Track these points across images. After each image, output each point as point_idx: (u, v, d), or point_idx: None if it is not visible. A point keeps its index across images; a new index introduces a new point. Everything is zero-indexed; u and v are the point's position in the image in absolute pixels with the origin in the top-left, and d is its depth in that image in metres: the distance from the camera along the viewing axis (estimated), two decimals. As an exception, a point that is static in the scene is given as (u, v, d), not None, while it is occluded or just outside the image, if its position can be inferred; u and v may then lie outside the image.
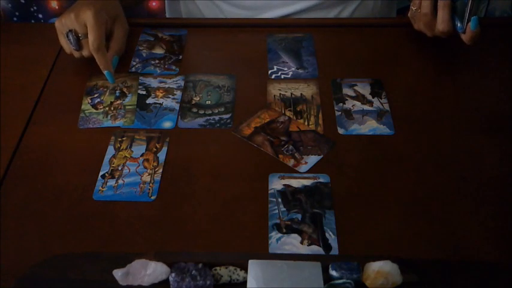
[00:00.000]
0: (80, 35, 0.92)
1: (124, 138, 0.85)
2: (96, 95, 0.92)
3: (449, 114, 0.89)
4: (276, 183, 0.78)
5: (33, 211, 0.76)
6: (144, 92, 0.93)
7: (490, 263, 0.69)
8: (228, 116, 0.89)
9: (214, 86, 0.94)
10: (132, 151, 0.83)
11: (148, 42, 1.03)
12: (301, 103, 0.90)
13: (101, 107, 0.90)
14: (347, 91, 0.92)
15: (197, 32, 1.06)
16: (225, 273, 0.66)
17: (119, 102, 0.91)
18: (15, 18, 1.53)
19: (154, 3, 1.69)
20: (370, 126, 0.86)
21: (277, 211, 0.74)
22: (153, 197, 0.77)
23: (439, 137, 0.85)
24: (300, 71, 0.97)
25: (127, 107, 0.90)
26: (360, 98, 0.91)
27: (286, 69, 0.97)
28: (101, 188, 0.78)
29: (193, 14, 1.20)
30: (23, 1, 1.51)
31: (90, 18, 0.90)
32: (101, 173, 0.80)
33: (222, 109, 0.90)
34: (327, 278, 0.65)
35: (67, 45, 0.95)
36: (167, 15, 1.29)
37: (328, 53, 1.01)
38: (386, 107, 0.89)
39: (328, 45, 1.03)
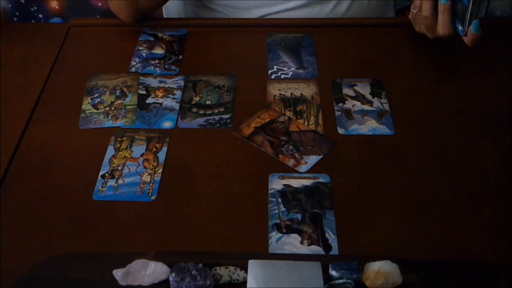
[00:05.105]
0: None
1: (124, 138, 0.85)
2: (96, 95, 0.92)
3: (449, 114, 0.89)
4: (276, 183, 0.78)
5: (33, 211, 0.76)
6: (144, 92, 0.93)
7: (490, 263, 0.69)
8: (228, 116, 0.89)
9: (214, 86, 0.94)
10: (132, 151, 0.83)
11: (148, 42, 1.03)
12: (301, 103, 0.90)
13: (102, 107, 0.90)
14: (347, 91, 0.92)
15: (197, 32, 1.06)
16: (225, 273, 0.66)
17: (119, 102, 0.91)
18: (15, 18, 1.53)
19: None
20: (370, 126, 0.86)
21: (277, 211, 0.74)
22: (153, 197, 0.77)
23: (439, 137, 0.85)
24: (300, 71, 0.97)
25: (127, 107, 0.90)
26: (359, 98, 0.91)
27: (286, 69, 0.97)
28: (101, 188, 0.78)
29: (190, 16, 1.20)
30: (23, 1, 1.51)
31: None
32: (101, 173, 0.80)
33: (222, 109, 0.90)
34: (327, 278, 0.65)
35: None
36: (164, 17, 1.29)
37: (328, 53, 1.01)
38: (386, 107, 0.89)
39: (328, 45, 1.03)
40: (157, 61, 0.99)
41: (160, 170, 0.80)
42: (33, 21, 1.55)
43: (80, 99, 0.92)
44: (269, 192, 0.77)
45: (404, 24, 1.03)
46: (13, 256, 0.70)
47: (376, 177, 0.79)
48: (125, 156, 0.82)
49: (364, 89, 0.93)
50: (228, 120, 0.88)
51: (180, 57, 1.00)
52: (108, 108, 0.90)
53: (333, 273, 0.65)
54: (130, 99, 0.91)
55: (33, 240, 0.72)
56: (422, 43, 1.00)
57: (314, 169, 0.80)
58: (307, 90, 0.93)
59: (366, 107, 0.89)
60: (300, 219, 0.73)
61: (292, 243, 0.71)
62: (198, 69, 0.97)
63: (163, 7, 1.27)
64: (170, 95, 0.92)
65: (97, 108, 0.90)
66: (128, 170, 0.80)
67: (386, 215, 0.75)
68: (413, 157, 0.82)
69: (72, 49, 1.03)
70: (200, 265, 0.66)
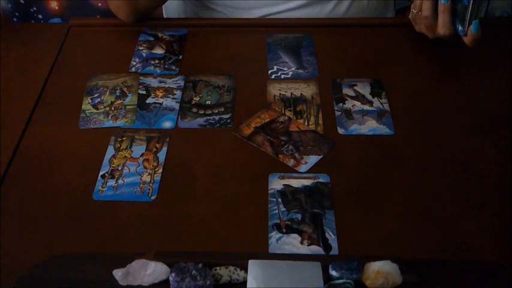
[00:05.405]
0: None
1: (124, 138, 0.85)
2: (96, 95, 0.92)
3: (449, 114, 0.89)
4: (276, 183, 0.78)
5: (33, 211, 0.76)
6: (144, 92, 0.93)
7: (490, 263, 0.69)
8: (228, 116, 0.89)
9: (214, 86, 0.94)
10: (132, 151, 0.83)
11: (148, 42, 1.03)
12: (301, 103, 0.90)
13: (102, 107, 0.90)
14: (347, 91, 0.92)
15: (197, 32, 1.06)
16: (225, 273, 0.66)
17: (119, 102, 0.91)
18: (15, 19, 1.53)
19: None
20: (370, 126, 0.86)
21: (277, 211, 0.74)
22: (153, 197, 0.77)
23: (439, 137, 0.85)
24: (300, 71, 0.97)
25: (127, 107, 0.90)
26: (359, 98, 0.91)
27: (286, 69, 0.97)
28: (101, 188, 0.78)
29: (190, 16, 1.20)
30: (22, 1, 1.51)
31: None
32: (101, 173, 0.80)
33: (222, 109, 0.90)
34: (327, 278, 0.65)
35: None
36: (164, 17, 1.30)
37: (328, 53, 1.01)
38: (386, 107, 0.89)
39: (328, 45, 1.03)
40: (157, 61, 0.99)
41: (160, 170, 0.80)
42: (32, 21, 1.55)
43: (80, 99, 0.92)
44: (269, 192, 0.77)
45: (404, 24, 1.03)
46: (13, 256, 0.70)
47: (376, 177, 0.79)
48: (125, 156, 0.82)
49: (364, 89, 0.93)
50: (228, 120, 0.88)
51: (180, 57, 1.00)
52: (108, 108, 0.90)
53: (333, 273, 0.65)
54: (130, 99, 0.91)
55: (33, 240, 0.72)
56: (422, 43, 1.00)
57: (314, 169, 0.80)
58: (307, 90, 0.93)
59: (366, 107, 0.89)
60: (300, 219, 0.73)
61: (292, 243, 0.71)
62: (198, 69, 0.97)
63: (163, 7, 1.27)
64: (170, 95, 0.92)
65: (97, 108, 0.90)
66: (127, 170, 0.80)
67: (386, 215, 0.75)
68: (413, 157, 0.82)
69: (72, 49, 1.03)
70: (200, 265, 0.66)
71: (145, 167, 0.81)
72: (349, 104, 0.90)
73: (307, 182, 0.78)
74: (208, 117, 0.88)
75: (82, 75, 0.96)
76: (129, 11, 1.03)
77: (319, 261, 0.66)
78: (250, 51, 1.02)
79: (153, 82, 0.95)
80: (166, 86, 0.94)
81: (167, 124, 0.87)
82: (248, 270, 0.66)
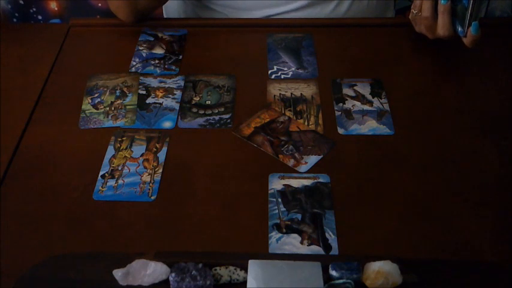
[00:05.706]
0: None
1: (124, 138, 0.85)
2: (96, 95, 0.92)
3: (449, 114, 0.89)
4: (276, 183, 0.78)
5: (33, 211, 0.76)
6: (144, 92, 0.93)
7: (490, 263, 0.69)
8: (228, 116, 0.89)
9: (214, 86, 0.94)
10: (132, 151, 0.83)
11: (148, 42, 1.03)
12: (301, 103, 0.90)
13: (102, 107, 0.90)
14: (347, 91, 0.92)
15: (197, 32, 1.06)
16: (225, 273, 0.66)
17: (119, 102, 0.91)
18: (14, 19, 1.53)
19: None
20: (370, 126, 0.86)
21: (277, 211, 0.74)
22: (153, 197, 0.77)
23: (439, 137, 0.85)
24: (300, 71, 0.97)
25: (127, 107, 0.90)
26: (359, 98, 0.91)
27: (286, 69, 0.97)
28: (101, 188, 0.78)
29: (190, 16, 1.20)
30: (22, 2, 1.51)
31: None
32: (101, 173, 0.80)
33: (222, 109, 0.90)
34: (327, 278, 0.65)
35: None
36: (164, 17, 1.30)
37: (328, 53, 1.01)
38: (386, 107, 0.89)
39: (328, 45, 1.03)
40: (157, 61, 0.99)
41: (160, 170, 0.80)
42: (32, 22, 1.55)
43: (80, 99, 0.92)
44: (269, 192, 0.77)
45: (404, 24, 1.03)
46: (13, 256, 0.70)
47: (376, 177, 0.79)
48: (125, 156, 0.82)
49: (364, 89, 0.93)
50: (228, 120, 0.88)
51: (180, 57, 1.00)
52: (108, 108, 0.90)
53: (333, 273, 0.65)
54: (130, 99, 0.91)
55: (33, 240, 0.72)
56: (422, 43, 1.00)
57: (314, 169, 0.80)
58: (307, 90, 0.93)
59: (366, 107, 0.89)
60: (300, 219, 0.73)
61: (292, 243, 0.71)
62: (198, 69, 0.97)
63: (163, 7, 1.27)
64: (170, 95, 0.92)
65: (97, 108, 0.90)
66: (127, 170, 0.80)
67: (386, 215, 0.75)
68: (413, 157, 0.82)
69: (72, 49, 1.03)
70: (200, 265, 0.66)
71: (145, 167, 0.81)
72: (349, 104, 0.90)
73: (307, 182, 0.78)
74: (208, 117, 0.88)
75: (82, 75, 0.96)
76: (129, 11, 1.03)
77: (319, 261, 0.66)
78: (250, 51, 1.02)
79: (153, 82, 0.95)
80: (166, 86, 0.94)
81: (167, 124, 0.87)
82: (248, 270, 0.66)
